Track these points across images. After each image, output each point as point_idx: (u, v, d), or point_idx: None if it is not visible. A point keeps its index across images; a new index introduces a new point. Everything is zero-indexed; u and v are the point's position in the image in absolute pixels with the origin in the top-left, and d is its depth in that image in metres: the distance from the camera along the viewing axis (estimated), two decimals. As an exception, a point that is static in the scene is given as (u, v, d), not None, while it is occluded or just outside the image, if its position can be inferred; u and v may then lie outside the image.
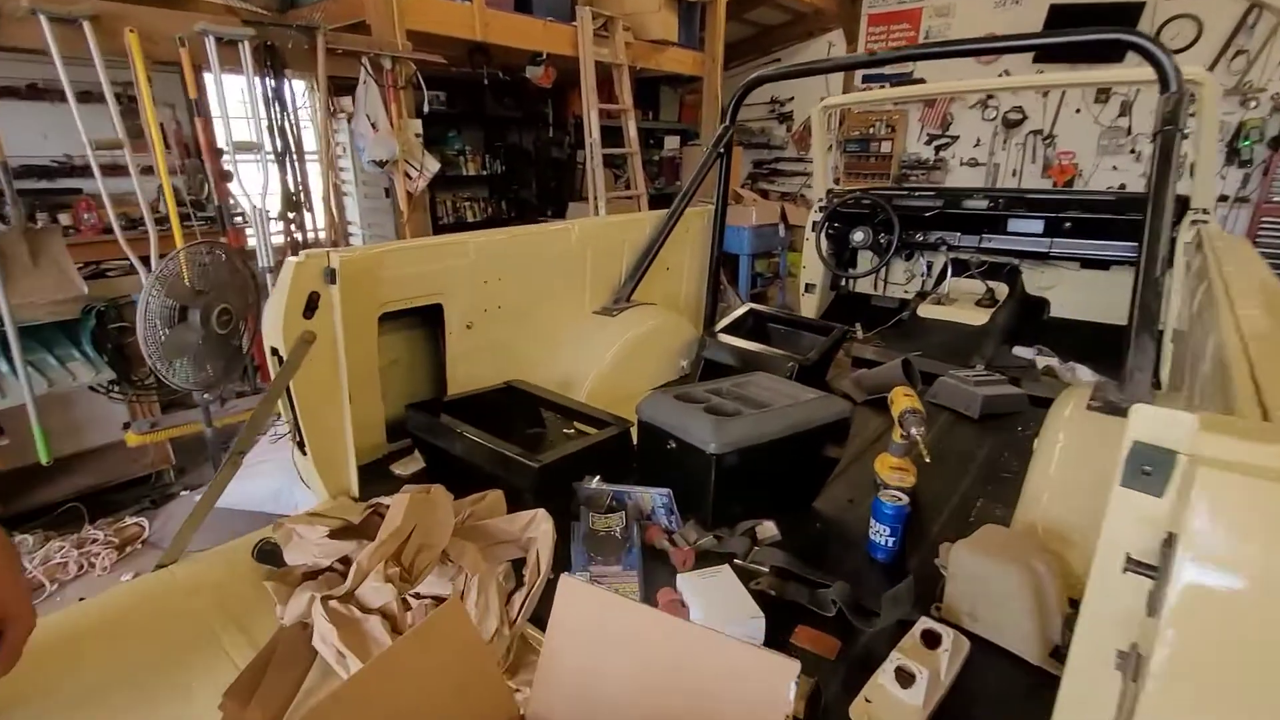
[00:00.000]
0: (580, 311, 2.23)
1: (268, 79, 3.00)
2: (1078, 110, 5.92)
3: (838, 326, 2.34)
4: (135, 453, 3.10)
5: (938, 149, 6.78)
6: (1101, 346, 3.02)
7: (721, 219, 2.71)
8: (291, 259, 1.43)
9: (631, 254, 2.37)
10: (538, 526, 1.06)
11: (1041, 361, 2.90)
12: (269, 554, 1.21)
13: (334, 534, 0.94)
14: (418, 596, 0.99)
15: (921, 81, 6.42)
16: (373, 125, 3.41)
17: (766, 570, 1.25)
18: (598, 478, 1.41)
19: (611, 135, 6.05)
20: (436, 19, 3.74)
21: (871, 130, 7.13)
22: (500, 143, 7.49)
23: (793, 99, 7.75)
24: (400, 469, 1.67)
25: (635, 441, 1.54)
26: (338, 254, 1.46)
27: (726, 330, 2.48)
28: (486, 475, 1.42)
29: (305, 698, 0.90)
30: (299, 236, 3.27)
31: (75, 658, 1.07)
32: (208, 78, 2.84)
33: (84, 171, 4.27)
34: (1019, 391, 2.11)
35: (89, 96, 2.71)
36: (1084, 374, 2.55)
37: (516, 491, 1.37)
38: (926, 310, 3.27)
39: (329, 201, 3.39)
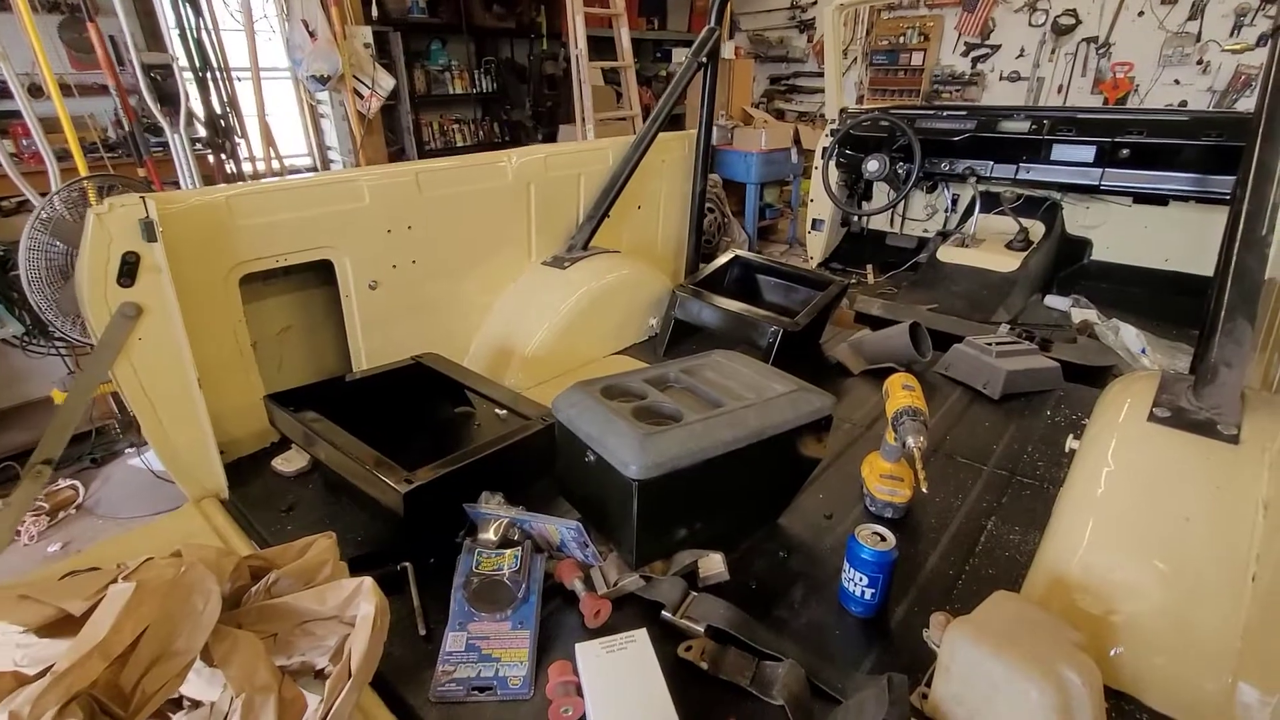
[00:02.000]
0: (523, 263, 1.87)
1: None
2: (1140, 13, 5.15)
3: (835, 281, 1.96)
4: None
5: (975, 61, 6.03)
6: (1150, 297, 2.61)
7: (707, 145, 2.28)
8: (92, 210, 1.08)
9: (590, 190, 1.98)
10: (359, 604, 0.76)
11: (1078, 315, 2.50)
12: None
13: (46, 629, 0.65)
14: (177, 704, 0.71)
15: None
16: (310, 34, 2.94)
17: (701, 630, 0.95)
18: (499, 496, 1.11)
19: (607, 46, 5.42)
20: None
21: (902, 39, 6.36)
22: (491, 57, 6.82)
23: (815, 3, 6.93)
24: (284, 464, 1.38)
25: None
26: (156, 201, 1.11)
27: (705, 282, 2.11)
28: (359, 493, 1.12)
29: None
30: (231, 168, 2.88)
31: None
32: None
33: (37, 93, 3.93)
34: (1052, 364, 1.74)
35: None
36: (1129, 335, 2.16)
37: (389, 518, 1.07)
38: (948, 253, 2.84)
39: (265, 124, 2.98)
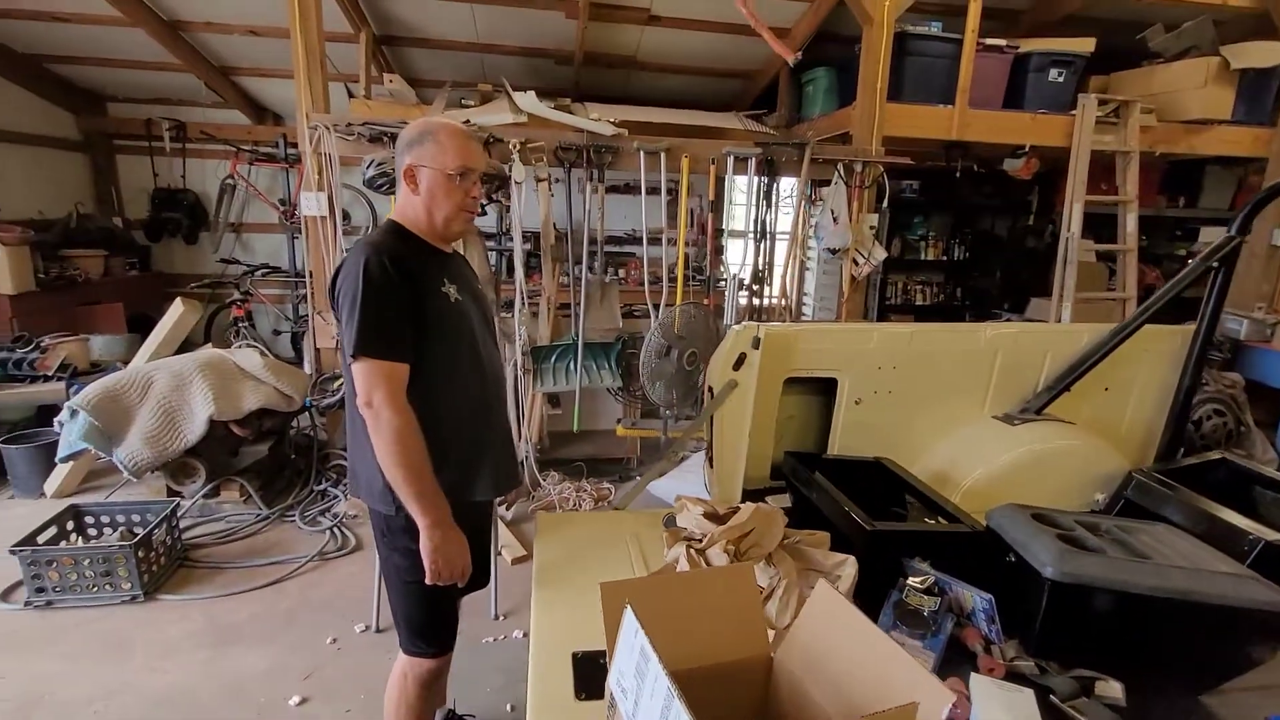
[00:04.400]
0: (975, 413, 2.23)
1: (763, 180, 3.89)
2: None
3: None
4: (619, 440, 4.39)
5: None
6: None
7: (1204, 348, 2.25)
8: (734, 326, 2.00)
9: (1055, 365, 2.23)
10: (845, 569, 1.29)
11: None
12: (669, 521, 1.79)
13: (707, 515, 1.38)
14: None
15: None
16: (834, 218, 3.98)
17: (1085, 723, 1.16)
18: (928, 563, 1.51)
19: (1110, 223, 5.29)
20: (914, 124, 4.11)
21: None
22: (968, 229, 7.31)
23: None
24: (773, 501, 2.07)
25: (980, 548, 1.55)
26: (763, 328, 1.96)
27: (1178, 475, 2.06)
28: (830, 526, 1.69)
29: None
30: (757, 302, 4.07)
31: (566, 533, 1.83)
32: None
33: (638, 241, 6.42)
34: None
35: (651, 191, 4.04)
36: None
37: (848, 548, 1.60)
38: None
39: (785, 278, 4.10)
